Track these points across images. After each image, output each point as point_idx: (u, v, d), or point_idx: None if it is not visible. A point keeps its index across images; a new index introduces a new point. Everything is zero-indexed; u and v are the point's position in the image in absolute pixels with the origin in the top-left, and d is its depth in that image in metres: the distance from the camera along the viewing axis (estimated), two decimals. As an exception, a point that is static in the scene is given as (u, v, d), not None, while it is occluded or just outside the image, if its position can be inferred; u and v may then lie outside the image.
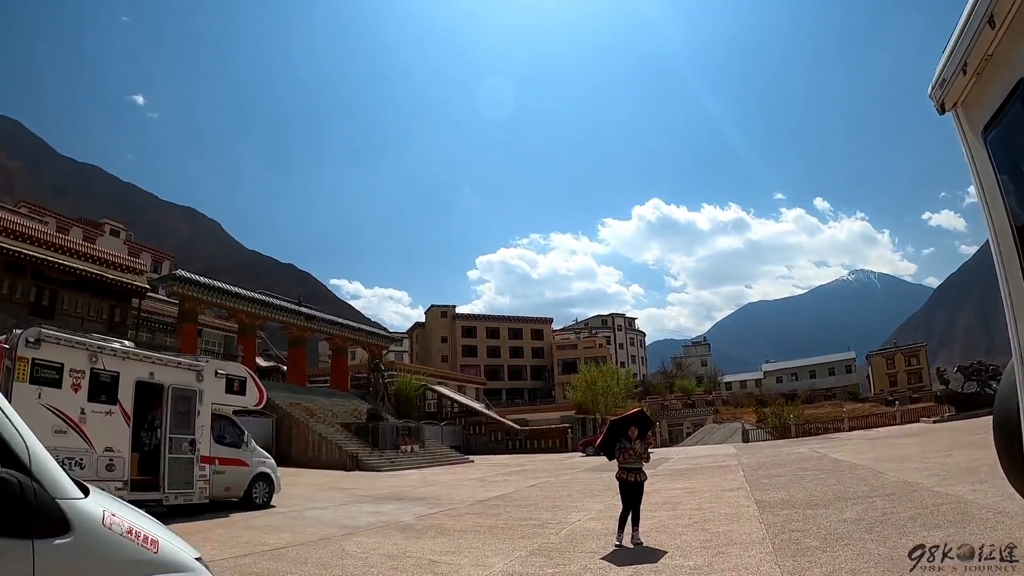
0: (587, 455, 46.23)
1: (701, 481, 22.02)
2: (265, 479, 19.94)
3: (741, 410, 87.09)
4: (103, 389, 15.38)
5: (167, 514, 15.86)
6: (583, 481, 25.49)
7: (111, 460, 14.95)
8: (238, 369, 20.67)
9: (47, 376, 14.22)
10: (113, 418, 15.36)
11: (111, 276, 44.12)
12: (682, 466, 29.41)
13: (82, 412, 14.65)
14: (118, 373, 15.76)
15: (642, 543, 10.91)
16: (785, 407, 68.97)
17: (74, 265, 41.86)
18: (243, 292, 52.71)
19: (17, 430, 2.89)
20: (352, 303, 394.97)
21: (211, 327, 59.74)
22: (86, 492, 3.22)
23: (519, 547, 11.63)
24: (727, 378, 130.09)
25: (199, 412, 17.53)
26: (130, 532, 3.23)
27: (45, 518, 2.83)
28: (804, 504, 14.04)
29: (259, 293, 55.47)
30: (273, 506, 19.30)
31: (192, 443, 17.12)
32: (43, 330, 14.83)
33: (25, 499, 2.76)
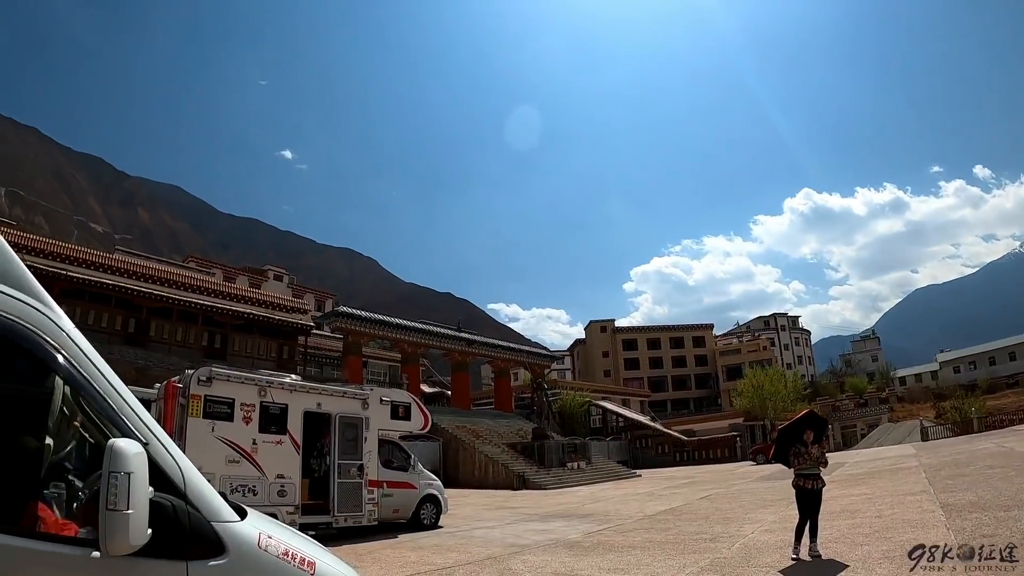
0: (758, 463, 44.75)
1: (880, 485, 20.79)
2: (432, 500, 20.21)
3: (917, 406, 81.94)
4: (273, 420, 16.01)
5: (337, 536, 16.37)
6: (755, 491, 24.59)
7: (282, 486, 15.54)
8: (402, 395, 21.03)
9: (219, 411, 14.97)
10: (283, 447, 15.96)
11: (277, 317, 46.70)
12: (858, 470, 27.88)
13: (254, 442, 15.32)
14: (287, 405, 16.36)
15: (821, 555, 10.33)
16: (965, 400, 64.23)
17: (241, 309, 44.90)
18: (404, 322, 53.77)
19: (171, 455, 2.92)
20: (511, 325, 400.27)
21: (375, 358, 61.66)
22: (243, 515, 3.24)
23: (690, 563, 11.22)
24: (900, 372, 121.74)
25: (366, 438, 17.93)
26: (286, 554, 3.20)
27: (199, 540, 2.85)
28: (995, 506, 12.92)
29: (419, 322, 56.45)
30: (441, 527, 19.48)
31: (360, 468, 17.52)
32: (214, 369, 15.64)
33: (179, 521, 2.78)
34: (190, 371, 15.28)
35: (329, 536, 16.51)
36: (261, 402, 15.82)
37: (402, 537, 17.21)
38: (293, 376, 18.51)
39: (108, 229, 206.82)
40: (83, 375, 2.79)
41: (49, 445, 2.86)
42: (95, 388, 2.81)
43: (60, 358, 2.75)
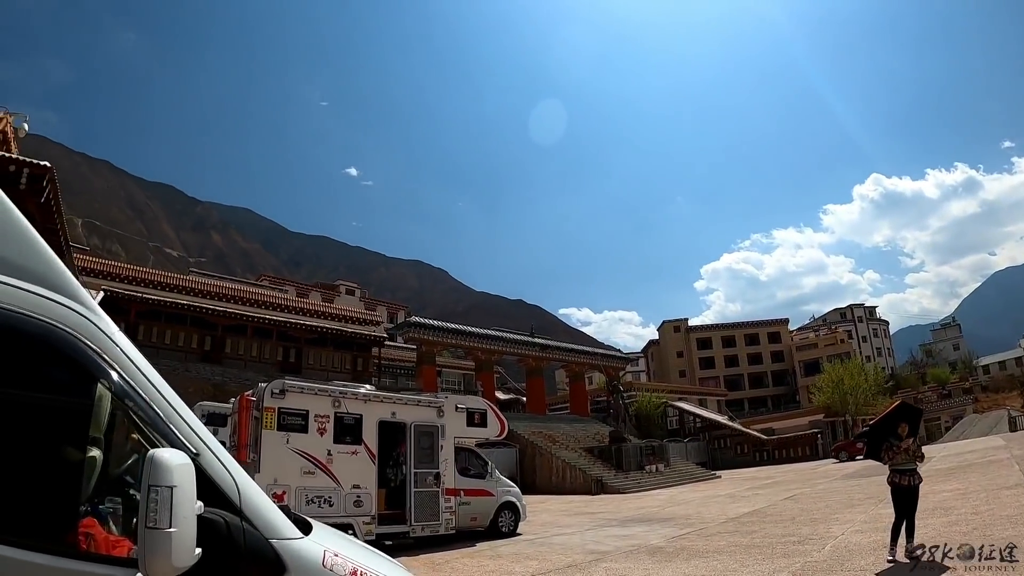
0: (840, 461, 43.58)
1: (972, 480, 19.94)
2: (510, 507, 19.93)
3: (1003, 395, 78.82)
4: (347, 431, 15.99)
5: (414, 546, 16.33)
6: (840, 490, 23.83)
7: (358, 496, 15.49)
8: (477, 402, 20.94)
9: (294, 422, 15.00)
10: (358, 457, 15.91)
11: (350, 330, 47.45)
12: (946, 464, 26.83)
13: (328, 453, 15.30)
14: (361, 415, 16.34)
15: (919, 557, 9.69)
16: (1054, 386, 61.29)
17: (315, 324, 45.94)
18: (476, 330, 54.02)
19: (225, 467, 2.70)
20: (583, 329, 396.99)
21: (449, 367, 62.11)
22: (307, 530, 3.00)
23: (780, 567, 10.76)
24: (983, 360, 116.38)
25: (442, 446, 17.79)
26: (354, 573, 2.95)
27: (256, 560, 2.61)
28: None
29: (492, 330, 56.68)
30: (519, 534, 19.19)
31: (437, 476, 17.38)
32: (287, 381, 15.74)
33: (233, 539, 2.55)
34: (263, 384, 15.38)
35: (406, 546, 16.50)
36: (335, 413, 15.82)
37: (480, 545, 16.98)
38: (367, 387, 18.53)
39: (183, 253, 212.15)
40: (128, 381, 2.56)
41: (95, 457, 2.67)
42: (141, 395, 2.58)
43: (103, 364, 2.52)
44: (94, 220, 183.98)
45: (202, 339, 41.83)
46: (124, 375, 2.56)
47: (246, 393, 15.68)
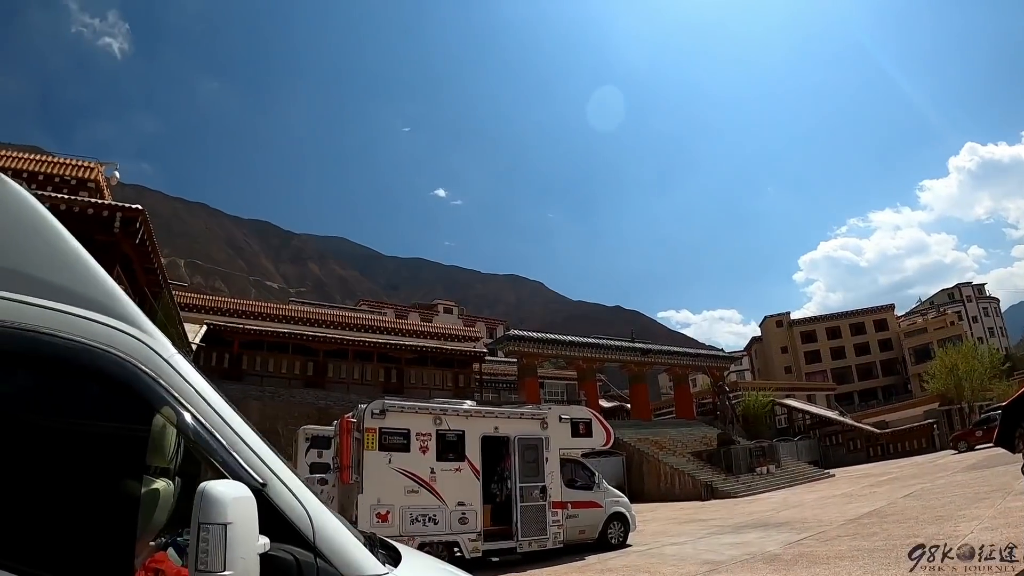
0: (960, 452, 41.59)
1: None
2: (620, 518, 19.50)
3: None
4: (450, 448, 15.97)
5: (522, 561, 16.12)
6: (964, 483, 22.56)
7: (463, 513, 15.43)
8: (581, 412, 20.60)
9: (395, 442, 15.09)
10: (462, 474, 15.86)
11: (450, 347, 48.09)
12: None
13: (432, 471, 15.31)
14: (463, 431, 16.30)
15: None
16: None
17: (414, 343, 46.85)
18: (575, 339, 53.59)
19: (297, 498, 2.39)
20: (684, 331, 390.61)
21: (551, 378, 61.97)
22: (397, 561, 2.74)
23: (908, 571, 10.00)
24: None
25: (547, 459, 17.56)
26: None
27: None
28: None
29: (592, 338, 56.24)
30: (629, 545, 18.73)
31: (543, 490, 17.15)
32: (386, 401, 15.83)
33: None
34: (363, 405, 15.45)
35: (513, 562, 16.29)
36: (437, 430, 15.82)
37: (589, 559, 16.61)
38: (469, 402, 18.49)
39: (283, 285, 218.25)
40: (186, 407, 2.35)
41: (158, 489, 2.53)
42: (201, 421, 2.35)
43: (160, 389, 2.34)
44: (196, 260, 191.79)
45: (304, 365, 42.83)
46: (182, 400, 2.36)
47: (346, 415, 15.77)
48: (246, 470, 2.34)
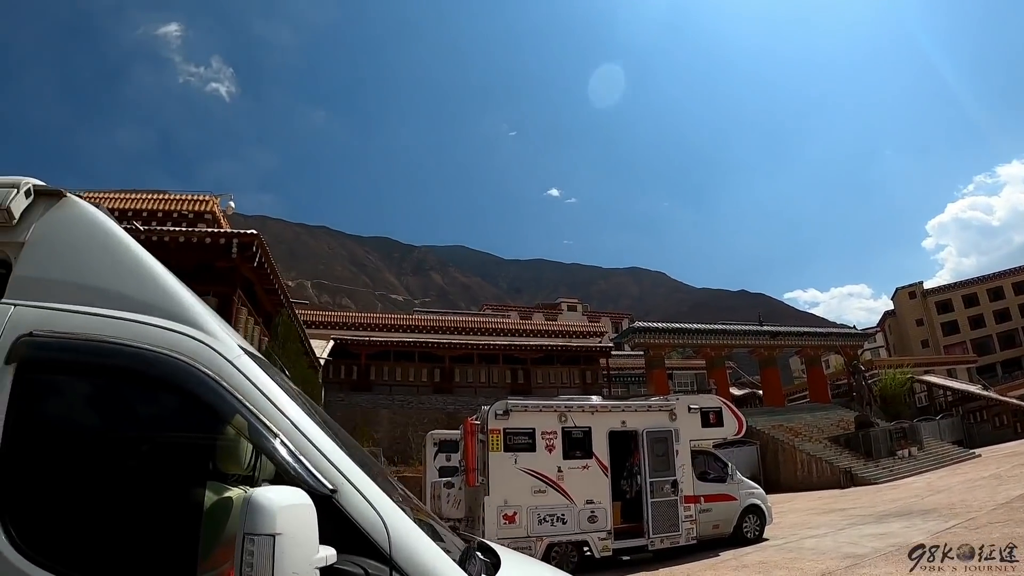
0: None
1: None
2: (755, 511, 18.79)
3: None
4: (576, 445, 15.79)
5: (653, 559, 15.84)
6: None
7: (592, 511, 15.21)
8: (711, 400, 20.17)
9: (520, 442, 15.04)
10: (590, 471, 15.64)
11: (575, 344, 48.30)
12: None
13: (559, 470, 15.17)
14: (589, 428, 16.07)
15: None
16: None
17: (539, 343, 47.47)
18: (701, 327, 52.82)
19: (372, 505, 2.21)
20: (812, 311, 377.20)
21: (680, 369, 61.45)
22: (496, 567, 2.60)
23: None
24: None
25: (677, 451, 17.09)
26: None
27: None
28: None
29: (718, 324, 55.36)
30: (766, 539, 18.08)
31: (674, 484, 16.71)
32: (509, 401, 15.81)
33: None
34: (486, 407, 15.49)
35: (645, 560, 16.01)
36: (562, 428, 15.69)
37: (724, 555, 16.10)
38: (596, 398, 18.33)
39: (408, 297, 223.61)
40: (251, 410, 2.26)
41: (231, 498, 2.48)
42: (267, 425, 2.25)
43: (225, 393, 2.26)
44: (322, 280, 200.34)
45: (431, 372, 43.86)
46: (246, 402, 2.28)
47: (470, 418, 15.84)
48: (314, 475, 2.21)
